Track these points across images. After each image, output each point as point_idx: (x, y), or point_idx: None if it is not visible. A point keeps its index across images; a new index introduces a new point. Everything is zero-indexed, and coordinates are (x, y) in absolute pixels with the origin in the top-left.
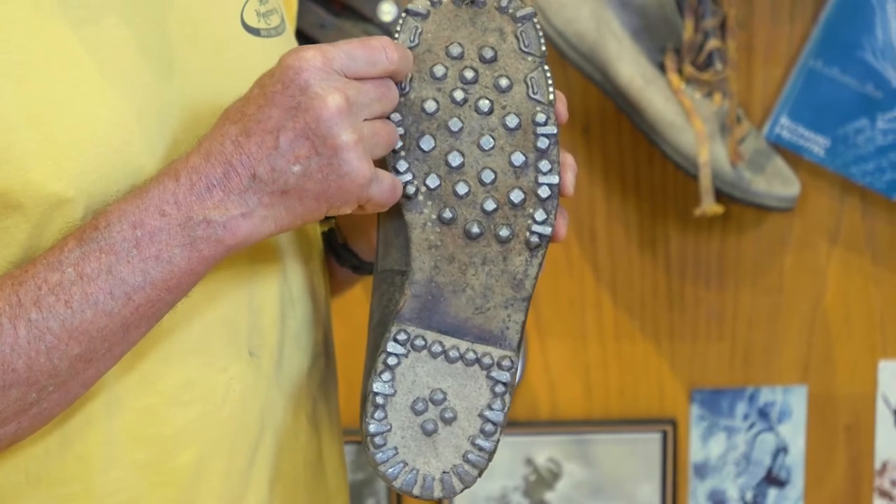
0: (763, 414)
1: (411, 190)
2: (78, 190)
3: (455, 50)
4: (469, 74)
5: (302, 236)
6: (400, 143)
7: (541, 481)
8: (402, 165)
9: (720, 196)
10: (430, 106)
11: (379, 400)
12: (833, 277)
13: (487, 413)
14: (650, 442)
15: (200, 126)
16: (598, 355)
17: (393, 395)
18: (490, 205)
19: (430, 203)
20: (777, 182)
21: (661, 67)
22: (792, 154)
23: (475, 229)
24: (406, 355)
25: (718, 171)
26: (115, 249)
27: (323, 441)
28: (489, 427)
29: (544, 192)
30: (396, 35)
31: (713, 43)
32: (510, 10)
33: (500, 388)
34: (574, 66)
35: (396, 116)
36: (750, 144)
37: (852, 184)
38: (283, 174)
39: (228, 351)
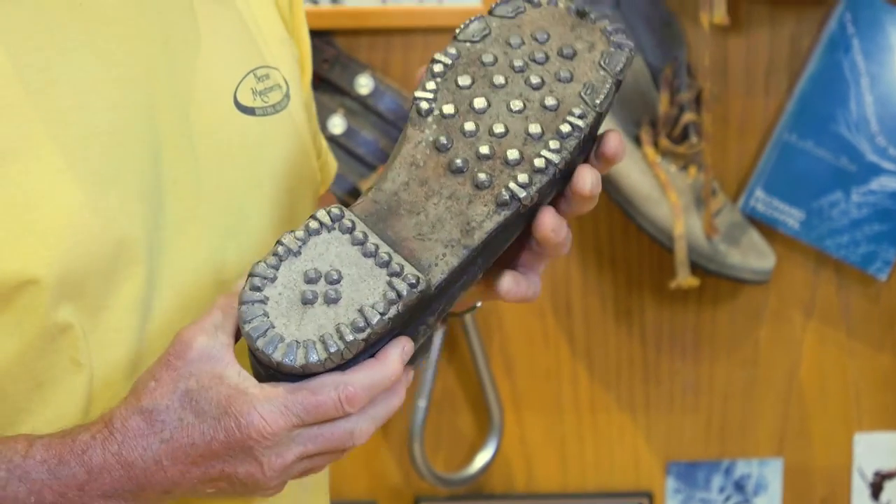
0: (739, 486)
1: (425, 107)
2: (51, 275)
3: (541, 36)
4: (539, 56)
5: None
6: (442, 69)
7: None
8: (431, 85)
9: (695, 269)
10: (488, 59)
11: (280, 250)
12: (808, 350)
13: (367, 310)
14: None
15: (187, 210)
16: (574, 428)
17: (296, 254)
18: (485, 151)
19: (434, 127)
20: (752, 255)
21: (637, 140)
22: (767, 227)
23: (459, 164)
24: (329, 230)
25: (694, 244)
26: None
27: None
28: (361, 322)
29: (540, 162)
30: None
31: (688, 116)
32: (612, 37)
33: (392, 295)
34: None
35: (453, 52)
36: (725, 217)
37: (827, 257)
38: None
39: None
